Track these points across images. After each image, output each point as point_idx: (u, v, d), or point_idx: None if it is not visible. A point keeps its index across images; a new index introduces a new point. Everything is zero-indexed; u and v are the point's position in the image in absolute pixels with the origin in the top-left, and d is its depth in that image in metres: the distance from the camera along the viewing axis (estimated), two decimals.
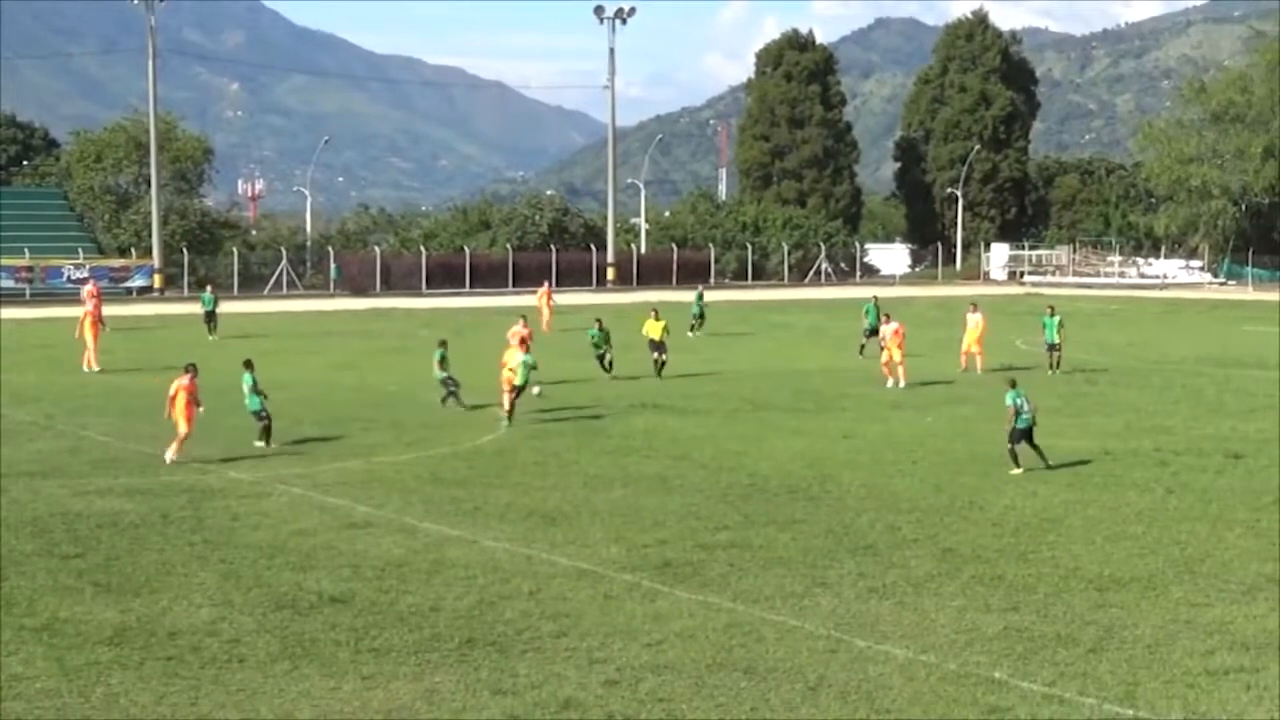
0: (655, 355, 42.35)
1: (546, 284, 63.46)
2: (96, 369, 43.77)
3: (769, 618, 17.11)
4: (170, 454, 27.45)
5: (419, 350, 52.44)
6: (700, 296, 60.08)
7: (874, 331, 46.33)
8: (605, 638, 16.30)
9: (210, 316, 56.58)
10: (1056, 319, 43.75)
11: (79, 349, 45.34)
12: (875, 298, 51.52)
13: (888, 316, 42.64)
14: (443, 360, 35.05)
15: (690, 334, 56.22)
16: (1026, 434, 26.70)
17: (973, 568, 19.49)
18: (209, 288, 61.06)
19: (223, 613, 17.27)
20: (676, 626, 16.76)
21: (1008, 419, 26.85)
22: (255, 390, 29.26)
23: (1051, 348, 43.70)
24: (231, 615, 17.17)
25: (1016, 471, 26.27)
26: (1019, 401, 26.66)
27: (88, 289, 62.44)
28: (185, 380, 27.85)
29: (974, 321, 44.37)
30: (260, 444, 29.12)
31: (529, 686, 14.70)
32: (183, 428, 27.58)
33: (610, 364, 41.50)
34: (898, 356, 40.14)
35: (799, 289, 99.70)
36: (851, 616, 17.23)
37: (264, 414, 29.24)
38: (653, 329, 42.78)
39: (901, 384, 39.57)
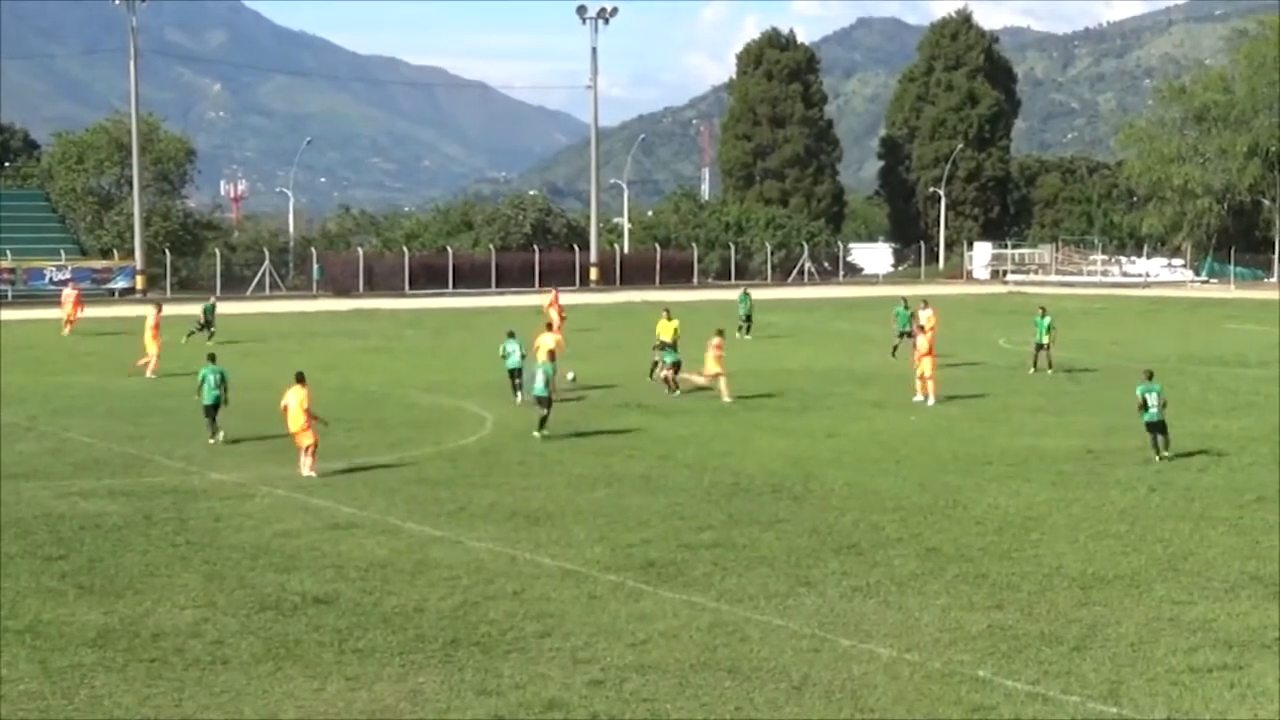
0: (660, 357, 40.88)
1: (555, 290, 62.61)
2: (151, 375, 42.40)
3: (753, 617, 17.11)
4: (308, 469, 26.33)
5: (402, 351, 52.56)
6: (746, 297, 58.32)
7: (907, 334, 45.33)
8: (589, 638, 16.29)
9: (205, 325, 54.93)
10: (1047, 320, 43.59)
11: (137, 355, 43.75)
12: (904, 299, 49.93)
13: (921, 326, 40.92)
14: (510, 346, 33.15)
15: (745, 336, 54.96)
16: (1156, 427, 27.42)
17: (956, 566, 19.51)
18: (212, 298, 60.05)
19: (206, 614, 17.24)
20: (660, 626, 16.76)
21: (1138, 408, 27.75)
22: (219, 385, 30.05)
23: (1040, 347, 43.66)
24: (215, 617, 17.14)
25: (1157, 461, 27.23)
26: (1144, 393, 27.46)
27: (67, 291, 62.32)
28: (297, 392, 26.61)
29: (924, 318, 43.94)
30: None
31: (513, 687, 14.69)
32: (307, 440, 26.37)
33: (669, 381, 38.19)
34: (928, 370, 36.58)
35: (782, 289, 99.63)
36: (835, 615, 17.25)
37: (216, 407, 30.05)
38: (664, 329, 41.35)
39: (930, 401, 36.09)
